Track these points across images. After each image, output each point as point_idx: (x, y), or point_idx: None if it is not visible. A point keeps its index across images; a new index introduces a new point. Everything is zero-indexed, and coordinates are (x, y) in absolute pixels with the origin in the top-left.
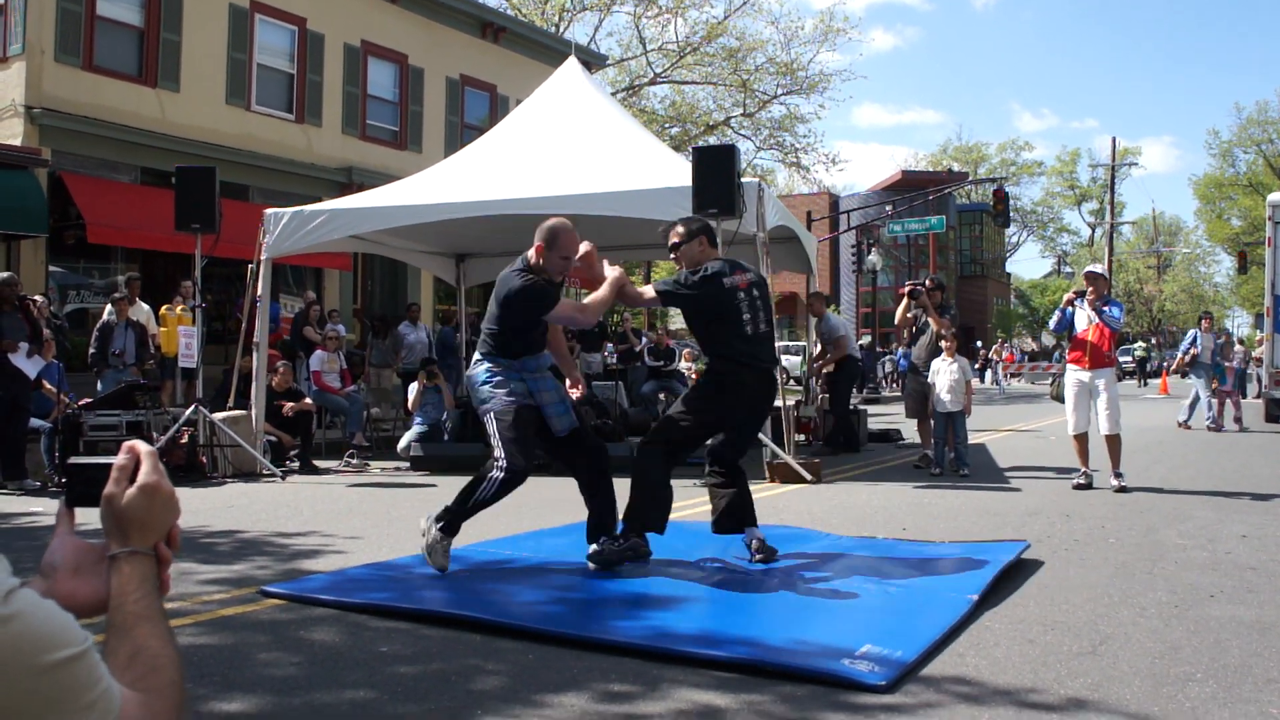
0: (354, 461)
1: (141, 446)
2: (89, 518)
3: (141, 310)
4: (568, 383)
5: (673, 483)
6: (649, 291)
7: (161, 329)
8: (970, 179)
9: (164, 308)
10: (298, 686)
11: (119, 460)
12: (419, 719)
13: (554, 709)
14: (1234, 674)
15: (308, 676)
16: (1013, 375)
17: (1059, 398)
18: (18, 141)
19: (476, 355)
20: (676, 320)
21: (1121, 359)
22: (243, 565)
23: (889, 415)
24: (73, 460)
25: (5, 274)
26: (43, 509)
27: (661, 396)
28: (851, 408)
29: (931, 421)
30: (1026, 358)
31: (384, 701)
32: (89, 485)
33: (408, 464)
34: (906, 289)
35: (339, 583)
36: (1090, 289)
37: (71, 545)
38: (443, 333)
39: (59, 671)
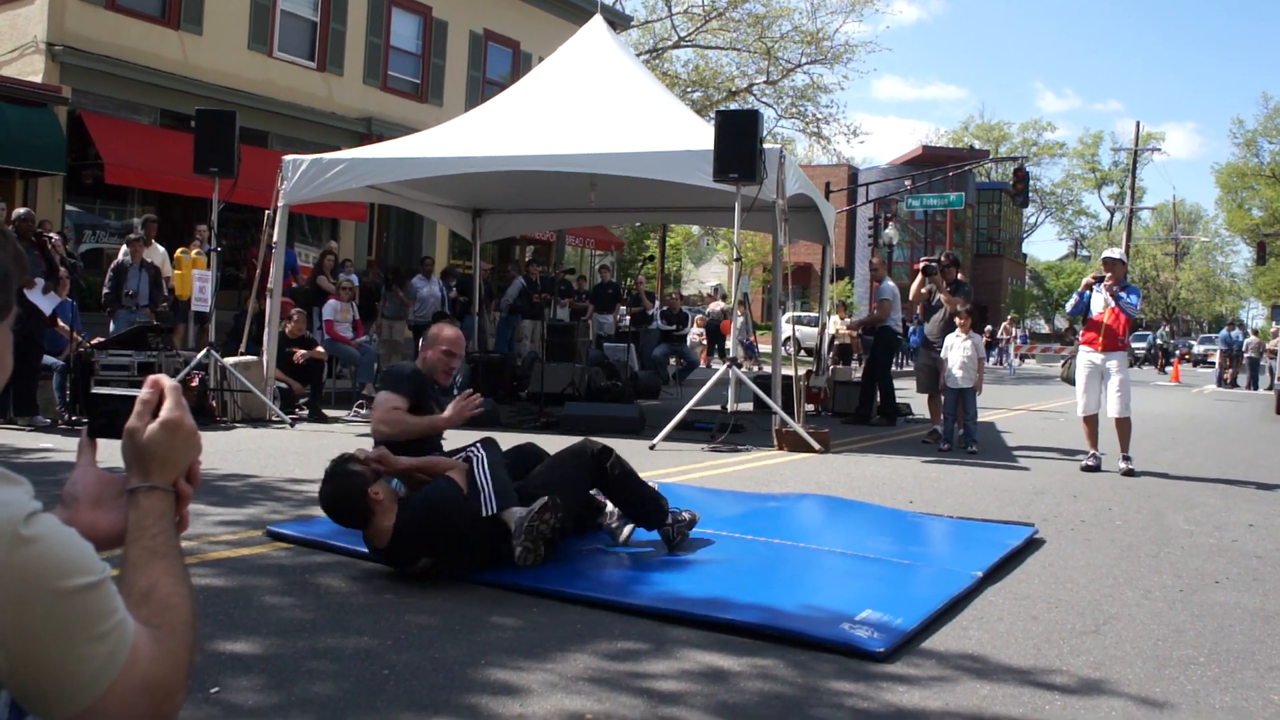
0: (363, 412)
1: (166, 381)
2: (112, 455)
3: (157, 252)
4: None
5: (677, 446)
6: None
7: (176, 272)
8: (991, 157)
9: (179, 250)
10: (302, 630)
11: (142, 394)
12: (423, 667)
13: (560, 664)
14: (1236, 659)
15: (313, 620)
16: (1025, 356)
17: (1069, 379)
18: (38, 79)
19: None
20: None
21: (1137, 345)
22: (252, 509)
23: (899, 390)
24: (96, 391)
25: (22, 210)
26: (53, 445)
27: (672, 361)
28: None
29: (942, 397)
30: (1027, 340)
31: (388, 648)
32: (111, 417)
33: None
34: (921, 265)
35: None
36: (1108, 274)
37: (93, 476)
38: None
39: (76, 598)
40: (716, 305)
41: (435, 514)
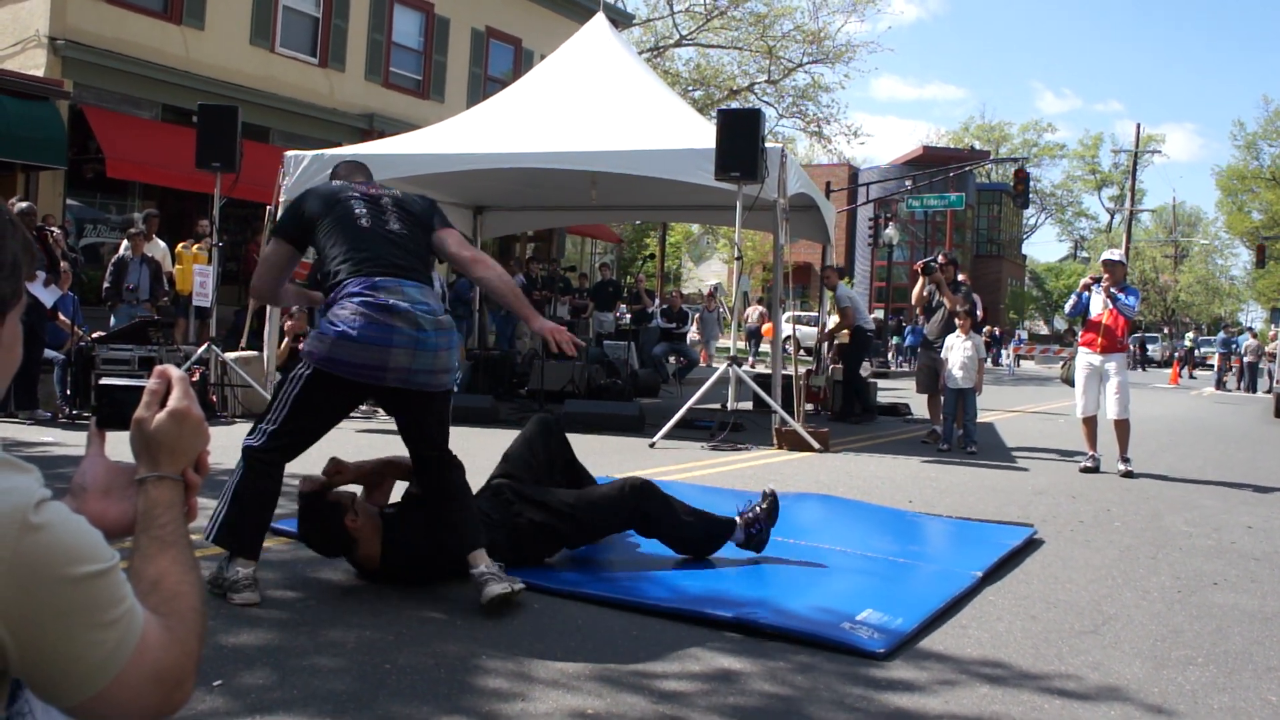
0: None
1: (173, 371)
2: (121, 446)
3: (158, 247)
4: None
5: (677, 444)
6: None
7: (177, 267)
8: (991, 158)
9: (180, 245)
10: (303, 624)
11: (150, 384)
12: (425, 662)
13: (562, 661)
14: (1234, 660)
15: (314, 614)
16: (1023, 358)
17: (1069, 380)
18: (40, 72)
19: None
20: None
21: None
22: None
23: (898, 389)
24: (104, 381)
25: (24, 203)
26: (54, 439)
27: (672, 359)
28: (866, 378)
29: (942, 398)
30: (1022, 342)
31: (390, 643)
32: (119, 407)
33: None
34: (920, 266)
35: None
36: (1107, 275)
37: (102, 466)
38: (458, 285)
39: (84, 585)
40: (754, 310)
41: (420, 562)
